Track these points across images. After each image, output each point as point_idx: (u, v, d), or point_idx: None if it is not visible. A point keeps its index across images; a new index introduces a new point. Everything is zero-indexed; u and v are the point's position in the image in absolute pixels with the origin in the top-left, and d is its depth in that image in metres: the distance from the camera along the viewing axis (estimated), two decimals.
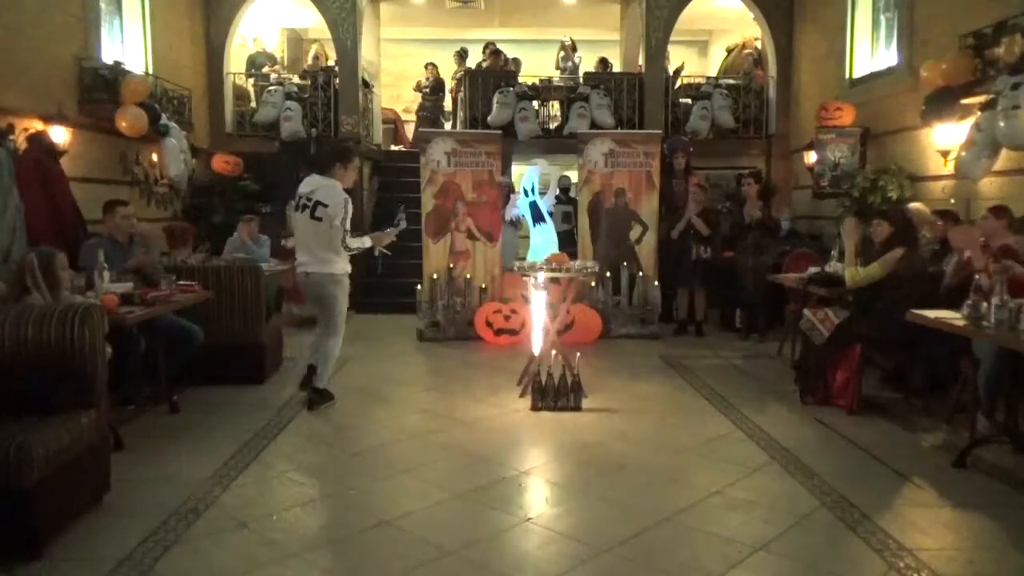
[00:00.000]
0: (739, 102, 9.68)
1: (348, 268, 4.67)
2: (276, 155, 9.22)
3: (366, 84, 10.24)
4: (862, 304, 4.72)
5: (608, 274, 7.16)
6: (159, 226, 6.63)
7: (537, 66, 11.07)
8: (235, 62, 9.99)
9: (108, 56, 7.12)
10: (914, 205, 5.87)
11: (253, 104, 9.87)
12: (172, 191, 8.06)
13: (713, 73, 11.12)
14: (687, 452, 3.97)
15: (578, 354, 4.81)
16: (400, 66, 13.13)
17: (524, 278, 5.34)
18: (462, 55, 11.73)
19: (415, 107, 12.20)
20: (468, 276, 7.18)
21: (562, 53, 11.50)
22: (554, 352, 4.96)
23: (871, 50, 7.88)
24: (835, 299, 5.15)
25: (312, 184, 4.60)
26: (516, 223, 8.35)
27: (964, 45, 5.71)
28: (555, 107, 10.06)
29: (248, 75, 10.19)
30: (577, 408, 4.64)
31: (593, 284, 7.14)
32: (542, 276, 5.18)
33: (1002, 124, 4.94)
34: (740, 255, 7.06)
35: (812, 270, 5.74)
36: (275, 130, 9.36)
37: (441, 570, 2.67)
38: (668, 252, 7.31)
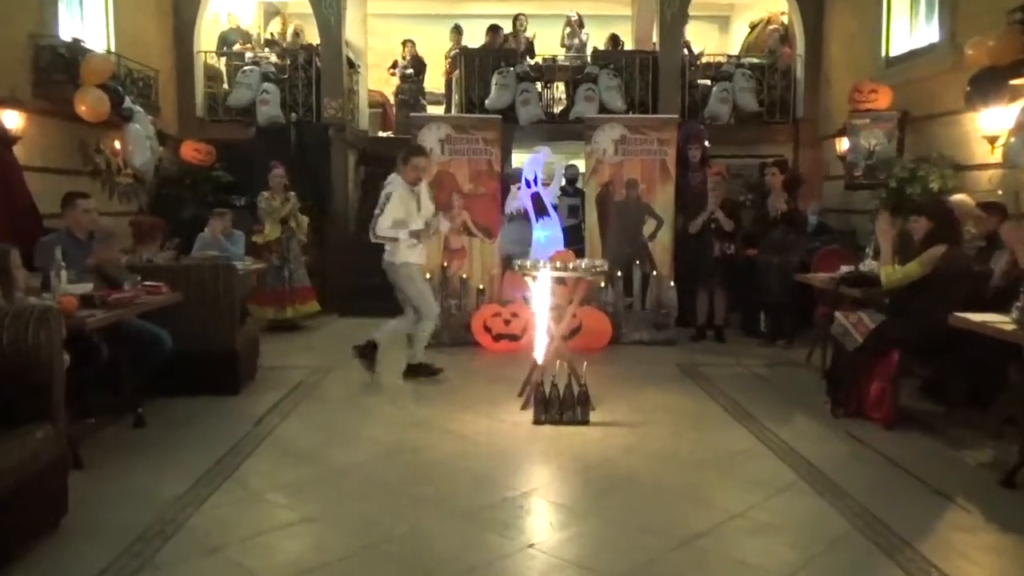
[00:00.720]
0: (763, 83, 9.70)
1: (410, 257, 5.61)
2: (252, 142, 9.24)
3: (351, 64, 10.26)
4: (900, 307, 4.72)
5: (619, 274, 7.17)
6: (123, 221, 6.64)
7: (540, 44, 11.08)
8: (206, 40, 10.01)
9: (66, 33, 7.13)
10: (957, 197, 5.87)
11: (226, 86, 9.89)
12: (137, 182, 8.08)
13: (735, 51, 11.14)
14: (706, 470, 3.97)
15: (585, 363, 4.81)
16: (389, 44, 13.11)
17: (526, 278, 5.35)
18: (458, 31, 11.74)
19: (394, 89, 12.19)
20: (464, 276, 7.19)
21: (568, 29, 11.50)
22: (559, 360, 4.96)
23: (910, 26, 7.89)
24: (870, 301, 5.16)
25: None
26: (517, 217, 8.37)
27: (1012, 21, 5.72)
28: (560, 89, 10.07)
29: (220, 54, 10.21)
30: (584, 422, 4.65)
31: (602, 285, 7.15)
32: (546, 276, 5.18)
33: None
34: (764, 253, 7.07)
35: (844, 269, 5.75)
36: (250, 115, 9.38)
37: None
38: (685, 249, 7.32)
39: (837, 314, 5.00)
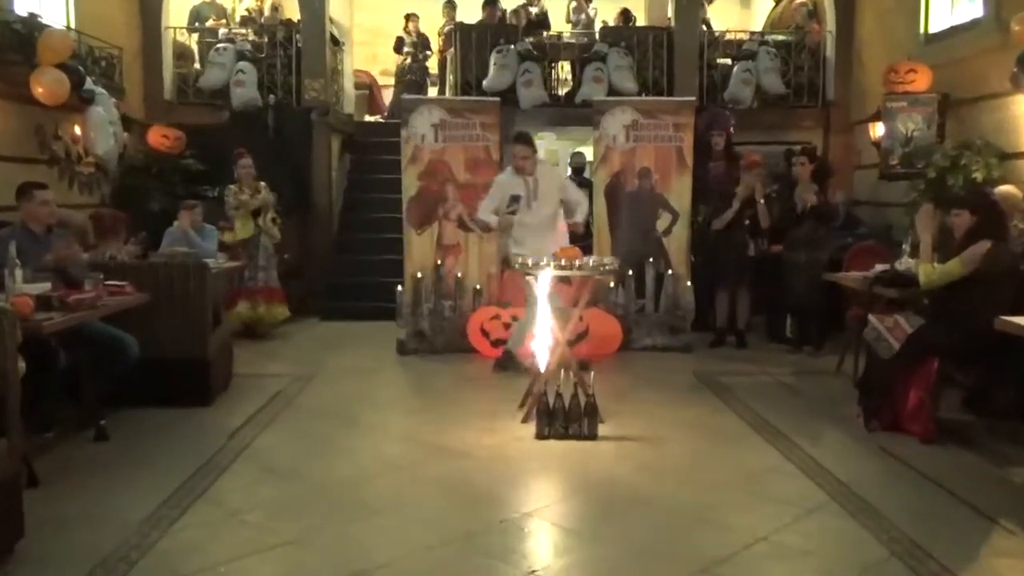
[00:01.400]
0: (790, 63, 9.70)
1: (519, 250, 5.78)
2: (226, 128, 9.24)
3: (335, 41, 10.27)
4: (940, 309, 4.72)
5: (630, 272, 7.17)
6: (84, 213, 6.65)
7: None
8: (176, 15, 10.01)
9: (21, 7, 7.13)
10: (1003, 189, 5.86)
11: (198, 66, 9.89)
12: (99, 171, 8.07)
13: (758, 28, 11.14)
14: (726, 489, 3.97)
15: (593, 371, 4.81)
16: (376, 20, 13.14)
17: (527, 278, 5.35)
18: (452, 6, 11.75)
19: (396, 69, 12.21)
20: (460, 275, 7.19)
21: (573, 4, 11.52)
22: (564, 368, 4.96)
23: None
24: (907, 303, 5.16)
25: None
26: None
27: None
28: (565, 69, 10.07)
29: (191, 30, 10.21)
30: (592, 436, 4.65)
31: (612, 284, 7.15)
32: (549, 275, 5.18)
33: None
34: (790, 250, 7.07)
35: (879, 268, 5.75)
36: (224, 97, 9.38)
37: None
38: (705, 245, 7.32)
39: (871, 317, 5.00)
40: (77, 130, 7.77)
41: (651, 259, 7.27)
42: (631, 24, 10.84)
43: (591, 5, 11.49)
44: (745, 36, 10.12)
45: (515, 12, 10.84)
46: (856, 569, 3.11)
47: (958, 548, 3.29)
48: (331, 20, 10.01)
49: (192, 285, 5.33)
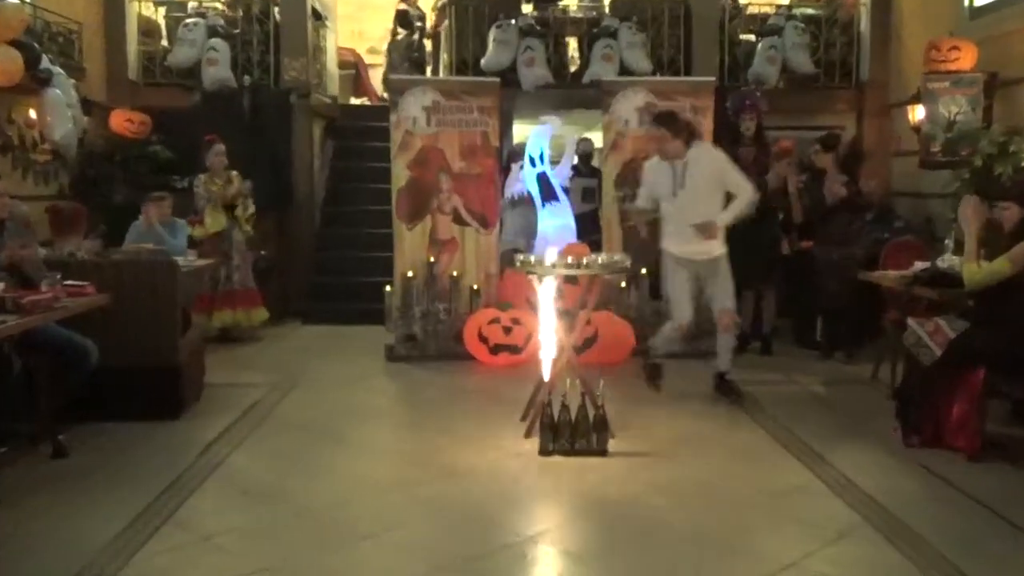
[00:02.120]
0: (820, 39, 9.68)
1: (668, 244, 5.73)
2: (196, 111, 9.23)
3: (317, 16, 10.26)
4: (986, 312, 4.71)
5: (643, 271, 7.16)
6: (40, 206, 6.64)
7: None
8: None
9: None
10: None
11: (165, 43, 9.89)
12: (57, 159, 8.07)
13: (785, 0, 11.12)
14: (750, 510, 3.97)
15: (602, 380, 4.81)
16: None
17: (530, 277, 5.35)
18: None
19: (387, 46, 12.20)
20: (455, 274, 7.19)
21: None
22: (570, 377, 4.96)
23: None
24: (950, 305, 5.15)
25: None
26: (519, 202, 8.38)
27: None
28: (572, 46, 10.06)
29: (158, 3, 10.21)
30: (601, 452, 4.65)
31: (623, 285, 7.14)
32: (555, 274, 5.18)
33: None
34: (821, 246, 7.06)
35: (919, 266, 5.74)
36: (195, 78, 9.37)
37: None
38: (729, 240, 7.29)
39: (910, 321, 4.99)
40: (32, 114, 7.76)
41: None
42: None
43: None
44: (770, 9, 10.10)
45: None
46: None
47: (1005, 575, 3.29)
48: None
49: (160, 285, 5.34)
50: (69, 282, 4.85)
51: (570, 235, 7.76)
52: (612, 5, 10.13)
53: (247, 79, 9.40)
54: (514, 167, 8.77)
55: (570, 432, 4.66)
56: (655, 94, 7.38)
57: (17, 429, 4.67)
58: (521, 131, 10.09)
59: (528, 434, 4.93)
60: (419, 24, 11.86)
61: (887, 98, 9.61)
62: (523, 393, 5.40)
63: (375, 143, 9.38)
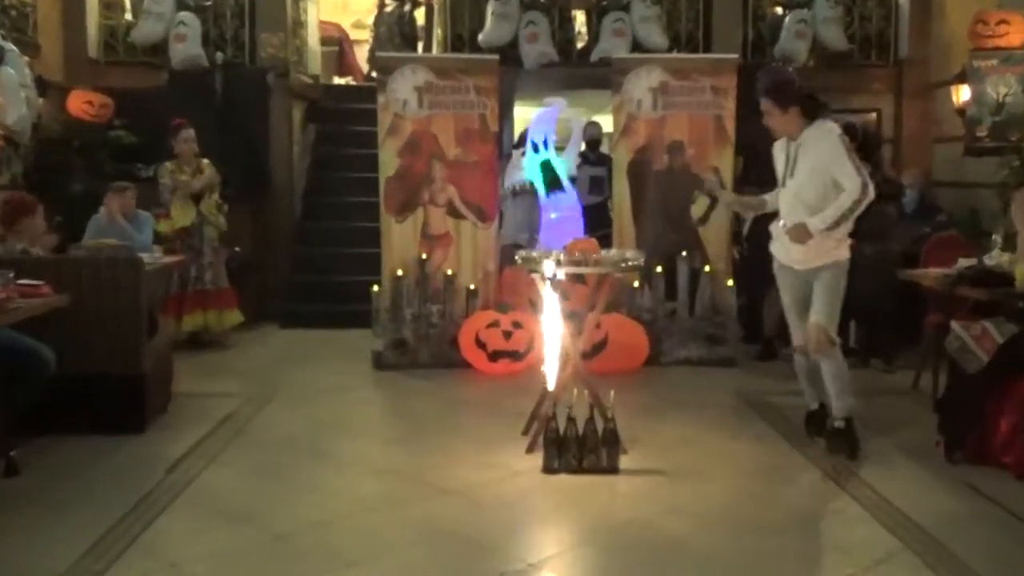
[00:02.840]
0: (854, 12, 9.69)
1: (772, 246, 5.18)
2: (164, 92, 9.23)
3: None
4: None
5: (659, 269, 7.16)
6: None
7: None
8: None
9: None
10: None
11: (129, 16, 9.89)
12: (10, 146, 8.06)
13: None
14: (777, 535, 3.96)
15: (612, 390, 4.80)
16: None
17: (532, 275, 5.34)
18: None
19: (374, 20, 12.19)
20: (450, 272, 7.19)
21: None
22: (578, 386, 4.96)
23: None
24: (998, 307, 5.14)
25: None
26: (521, 193, 8.38)
27: None
28: (579, 20, 10.06)
29: None
30: (612, 470, 4.64)
31: (636, 284, 7.14)
32: (560, 272, 5.17)
33: None
34: (853, 241, 7.03)
35: (963, 263, 5.73)
36: (162, 55, 9.37)
37: None
38: (753, 236, 7.30)
39: (953, 324, 4.98)
40: None
41: (685, 252, 7.26)
42: None
43: None
44: None
45: None
46: None
47: None
48: None
49: (123, 284, 5.32)
50: (23, 281, 4.84)
51: (577, 229, 7.75)
52: None
53: (219, 56, 9.40)
54: (515, 154, 8.77)
55: (577, 448, 4.64)
56: (671, 73, 7.37)
57: None
58: (523, 114, 10.09)
59: (530, 450, 4.92)
60: None
61: (928, 77, 9.60)
62: (525, 405, 5.39)
63: (361, 127, 9.37)
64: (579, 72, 9.67)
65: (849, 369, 6.90)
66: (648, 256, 6.19)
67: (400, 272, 7.13)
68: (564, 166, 8.25)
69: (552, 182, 7.74)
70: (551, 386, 5.11)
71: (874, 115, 9.80)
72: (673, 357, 7.18)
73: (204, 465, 4.81)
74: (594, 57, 9.31)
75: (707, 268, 7.27)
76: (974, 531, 3.97)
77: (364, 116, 8.96)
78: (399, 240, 7.21)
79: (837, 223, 4.77)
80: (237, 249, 8.51)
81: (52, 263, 5.39)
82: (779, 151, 5.09)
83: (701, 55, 8.99)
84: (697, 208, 7.37)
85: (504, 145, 8.82)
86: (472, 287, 7.18)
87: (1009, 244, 5.33)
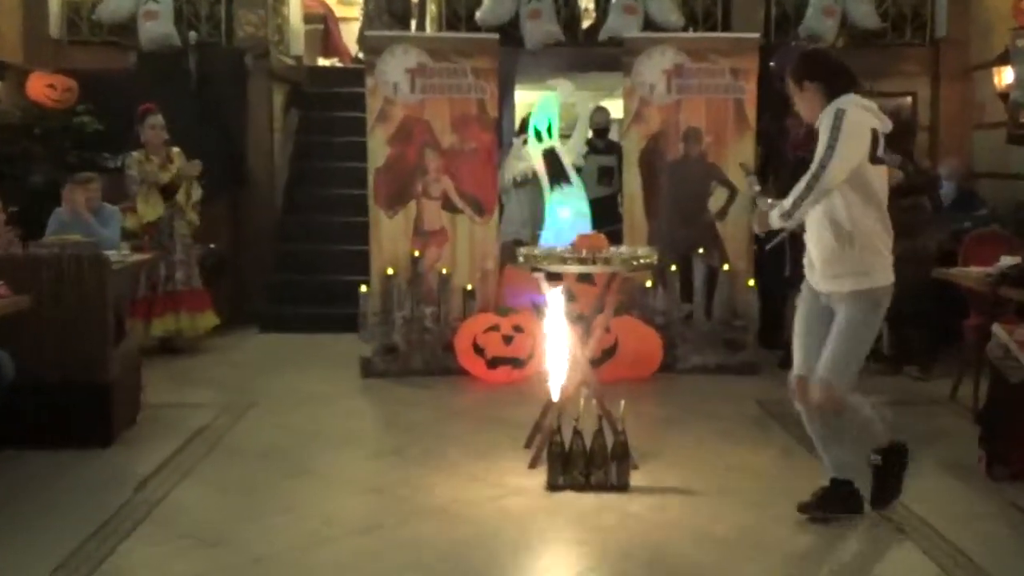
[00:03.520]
0: None
1: (877, 279, 4.15)
2: (132, 75, 9.23)
3: None
4: None
5: (673, 268, 7.16)
6: None
7: None
8: None
9: None
10: None
11: None
12: None
13: None
14: (807, 562, 3.95)
15: (623, 400, 4.79)
16: None
17: (535, 274, 5.33)
18: None
19: None
20: (445, 271, 7.18)
21: None
22: (585, 396, 4.95)
23: None
24: None
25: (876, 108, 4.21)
26: (522, 184, 8.37)
27: None
28: None
29: None
30: (622, 487, 4.64)
31: (649, 284, 7.14)
32: (566, 271, 5.16)
33: None
34: None
35: (1006, 261, 5.73)
36: (131, 34, 9.36)
37: None
38: (776, 233, 7.28)
39: (995, 328, 4.97)
40: None
41: (701, 250, 7.26)
42: None
43: None
44: None
45: None
46: None
47: None
48: None
49: (87, 285, 5.32)
50: None
51: (584, 224, 7.74)
52: None
53: (193, 36, 9.40)
54: (516, 142, 8.75)
55: (584, 463, 4.64)
56: (687, 54, 7.37)
57: None
58: (524, 99, 10.08)
59: (533, 465, 4.92)
60: None
61: (968, 58, 9.59)
62: (527, 416, 5.39)
63: (348, 113, 9.38)
64: (586, 53, 9.67)
65: (881, 377, 6.98)
66: (662, 253, 6.20)
67: (390, 271, 7.12)
68: (570, 155, 8.22)
69: (557, 173, 7.71)
70: (555, 396, 5.10)
71: (908, 99, 9.78)
72: (689, 364, 7.18)
73: (175, 482, 4.81)
74: (603, 36, 9.30)
75: (726, 267, 7.26)
76: (1019, 555, 3.96)
77: (351, 101, 8.96)
78: (389, 236, 7.20)
79: (792, 211, 4.08)
80: (212, 246, 8.51)
81: (10, 261, 5.38)
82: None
83: (719, 34, 8.98)
84: (715, 201, 7.36)
85: (504, 133, 8.81)
86: (469, 287, 7.17)
87: None
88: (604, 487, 4.62)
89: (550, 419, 4.94)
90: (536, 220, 8.37)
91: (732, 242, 7.34)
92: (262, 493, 4.72)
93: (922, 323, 7.05)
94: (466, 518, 4.37)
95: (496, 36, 7.84)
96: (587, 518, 4.37)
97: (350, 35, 12.79)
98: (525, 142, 8.32)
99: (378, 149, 7.20)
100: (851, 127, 3.98)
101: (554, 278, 5.16)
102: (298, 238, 9.55)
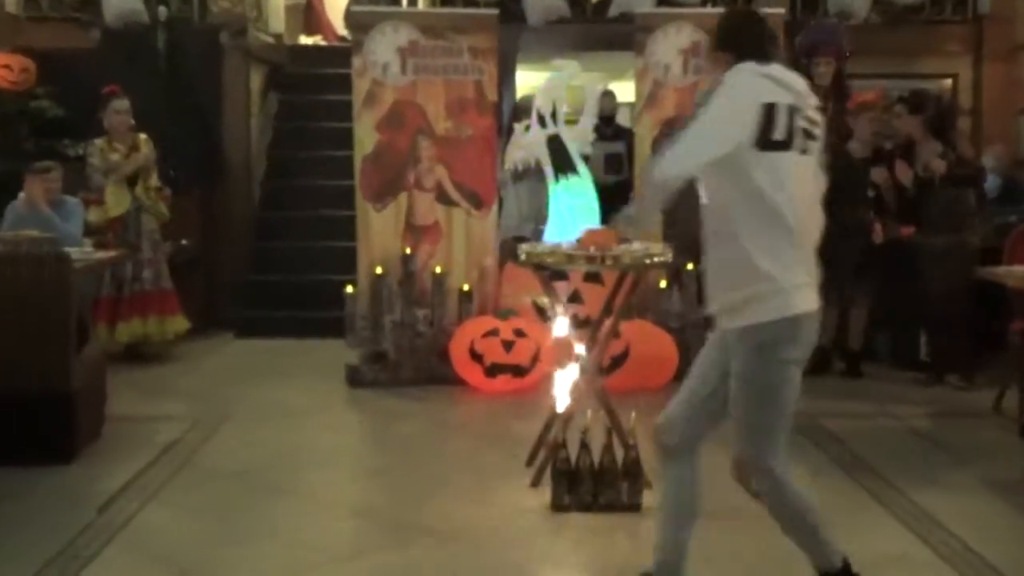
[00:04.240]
0: None
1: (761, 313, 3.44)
2: (96, 54, 9.23)
3: None
4: None
5: (689, 267, 7.15)
6: None
7: None
8: None
9: None
10: None
11: None
12: None
13: None
14: None
15: (634, 413, 4.80)
16: None
17: (539, 274, 5.34)
18: None
19: None
20: (439, 270, 7.18)
21: None
22: (592, 407, 4.95)
23: None
24: None
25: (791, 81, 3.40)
26: (524, 175, 8.36)
27: None
28: None
29: None
30: (634, 507, 4.64)
31: (663, 284, 7.14)
32: (572, 270, 5.16)
33: None
34: (923, 233, 7.04)
35: None
36: (94, 9, 9.36)
37: None
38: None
39: None
40: None
41: None
42: None
43: None
44: None
45: None
46: None
47: None
48: None
49: (46, 285, 5.32)
50: None
51: (591, 218, 7.74)
52: None
53: (163, 11, 9.38)
54: (517, 128, 8.75)
55: (592, 481, 4.64)
56: (705, 32, 7.35)
57: None
58: (526, 80, 10.08)
59: (536, 483, 4.92)
60: None
61: (1014, 37, 9.60)
62: (530, 429, 5.39)
63: (333, 96, 9.37)
64: (595, 30, 9.67)
65: (919, 386, 6.98)
66: (676, 251, 6.19)
67: (379, 270, 7.13)
68: (577, 142, 8.21)
69: (562, 161, 7.69)
70: (561, 407, 5.11)
71: (949, 81, 9.79)
72: None
73: (143, 502, 4.80)
74: (612, 12, 9.30)
75: None
76: None
77: (336, 83, 8.94)
78: (378, 232, 7.21)
79: (646, 210, 3.59)
80: (183, 242, 8.51)
81: None
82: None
83: (738, 9, 8.98)
84: None
85: (504, 118, 8.81)
86: (466, 288, 7.18)
87: None
88: (614, 507, 4.62)
89: (555, 433, 4.94)
90: (539, 214, 8.37)
91: None
92: (237, 516, 4.71)
93: (964, 327, 7.05)
94: (462, 542, 4.37)
95: (495, 11, 7.87)
96: (596, 541, 4.37)
97: (335, 11, 12.77)
98: (527, 128, 8.33)
99: (366, 136, 7.21)
100: (727, 97, 3.23)
101: (559, 277, 5.17)
102: (277, 234, 9.55)
